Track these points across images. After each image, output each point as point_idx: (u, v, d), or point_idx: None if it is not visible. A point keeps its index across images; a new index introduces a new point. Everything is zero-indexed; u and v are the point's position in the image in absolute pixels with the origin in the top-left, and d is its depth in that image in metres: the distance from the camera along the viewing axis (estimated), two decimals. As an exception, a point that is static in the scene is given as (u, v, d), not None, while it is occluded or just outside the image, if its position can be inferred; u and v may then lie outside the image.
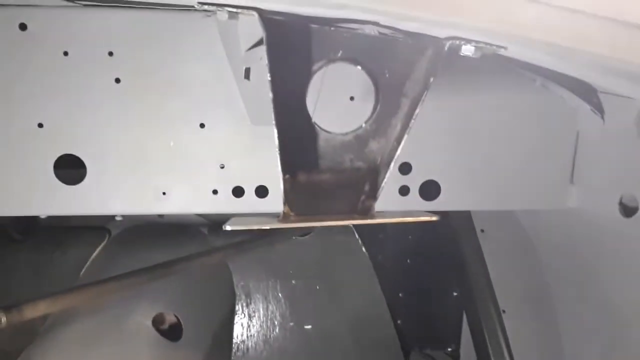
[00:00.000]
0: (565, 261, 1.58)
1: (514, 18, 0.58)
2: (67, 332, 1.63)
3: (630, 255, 1.30)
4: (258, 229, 0.85)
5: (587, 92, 1.29)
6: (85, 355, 1.56)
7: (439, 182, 1.36)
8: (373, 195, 0.83)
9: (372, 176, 0.85)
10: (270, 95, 0.74)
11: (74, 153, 1.25)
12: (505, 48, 0.74)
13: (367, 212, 0.83)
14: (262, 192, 1.32)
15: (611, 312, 1.43)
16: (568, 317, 1.62)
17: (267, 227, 0.78)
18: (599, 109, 1.28)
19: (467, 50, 0.76)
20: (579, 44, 0.60)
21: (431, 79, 0.76)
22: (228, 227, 0.76)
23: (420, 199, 1.36)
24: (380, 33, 0.80)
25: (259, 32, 0.93)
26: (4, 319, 1.23)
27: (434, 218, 0.78)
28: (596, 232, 1.38)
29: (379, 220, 0.80)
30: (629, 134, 1.21)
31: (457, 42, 0.74)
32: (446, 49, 0.74)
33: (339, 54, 0.79)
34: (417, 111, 0.77)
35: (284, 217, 0.81)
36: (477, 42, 0.74)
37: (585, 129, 1.36)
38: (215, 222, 2.15)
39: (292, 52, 0.78)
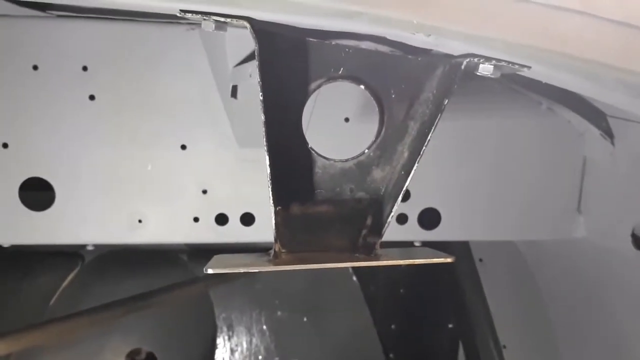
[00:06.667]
0: (570, 294, 1.50)
1: (553, 30, 0.49)
2: (31, 371, 1.49)
3: (642, 291, 1.22)
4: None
5: (595, 116, 1.23)
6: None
7: (439, 210, 1.29)
8: (377, 231, 0.73)
9: (376, 209, 0.75)
10: (262, 117, 0.65)
11: (41, 176, 1.17)
12: (529, 67, 0.65)
13: (370, 251, 0.73)
14: (247, 219, 1.25)
15: (620, 350, 1.35)
16: (572, 353, 1.53)
17: (256, 270, 0.68)
18: (608, 133, 1.22)
19: (485, 69, 0.67)
20: (623, 62, 0.52)
21: (445, 101, 0.67)
22: (210, 271, 0.65)
23: (419, 228, 1.29)
24: (386, 49, 0.71)
25: (248, 46, 0.84)
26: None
27: (449, 259, 0.68)
28: (605, 264, 1.31)
29: (385, 262, 0.70)
30: (642, 160, 1.14)
31: (475, 60, 0.65)
32: (463, 67, 0.66)
33: (340, 72, 0.70)
34: (429, 137, 0.68)
35: (275, 257, 0.70)
36: (497, 60, 0.65)
37: (593, 155, 1.29)
38: (196, 249, 2.03)
39: (287, 68, 0.69)
